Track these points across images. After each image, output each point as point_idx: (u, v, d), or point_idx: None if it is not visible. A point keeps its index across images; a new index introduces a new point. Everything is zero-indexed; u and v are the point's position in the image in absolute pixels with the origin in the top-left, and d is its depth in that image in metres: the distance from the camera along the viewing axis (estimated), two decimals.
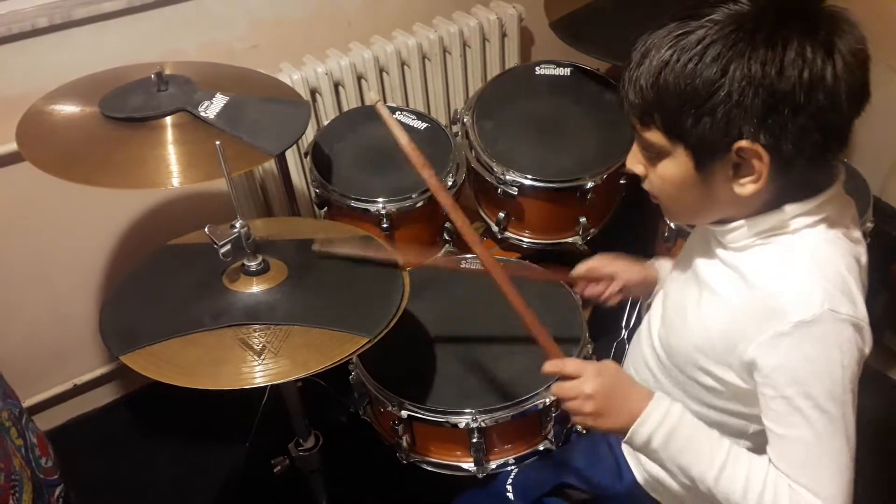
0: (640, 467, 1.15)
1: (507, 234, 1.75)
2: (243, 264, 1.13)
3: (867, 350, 0.83)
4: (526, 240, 1.75)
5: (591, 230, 1.74)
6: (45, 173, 1.20)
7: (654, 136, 0.85)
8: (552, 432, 1.35)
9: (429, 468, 1.37)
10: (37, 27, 1.56)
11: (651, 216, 1.70)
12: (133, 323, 1.09)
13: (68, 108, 1.33)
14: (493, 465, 1.34)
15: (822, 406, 0.81)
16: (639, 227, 1.78)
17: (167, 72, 1.35)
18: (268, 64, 1.84)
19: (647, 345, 1.08)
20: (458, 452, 1.36)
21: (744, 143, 0.78)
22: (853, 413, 0.82)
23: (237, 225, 1.09)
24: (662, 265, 1.22)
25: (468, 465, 1.34)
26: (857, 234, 0.88)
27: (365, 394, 1.41)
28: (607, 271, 1.22)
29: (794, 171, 0.80)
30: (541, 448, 1.36)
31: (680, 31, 0.79)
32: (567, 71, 1.80)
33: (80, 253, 1.85)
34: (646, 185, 0.93)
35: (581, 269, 1.25)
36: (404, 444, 1.35)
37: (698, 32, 0.77)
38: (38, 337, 1.89)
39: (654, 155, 0.87)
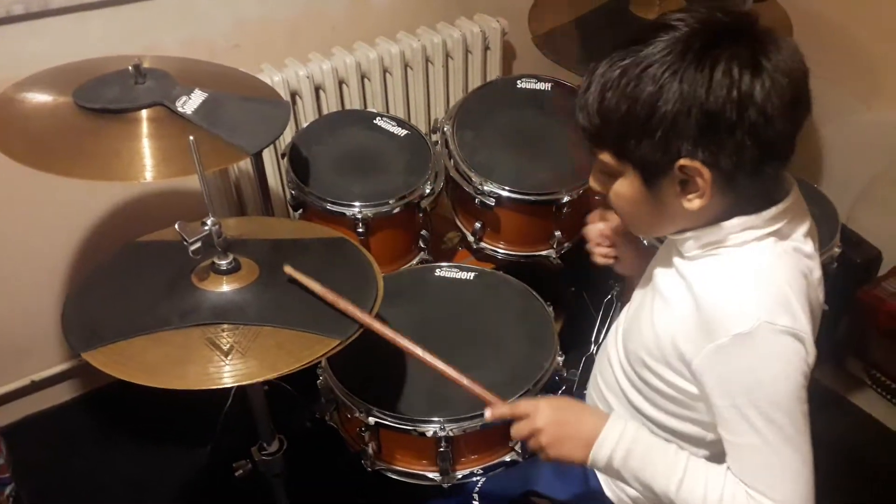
0: (609, 479, 1.16)
1: (483, 244, 1.75)
2: (213, 262, 1.11)
3: (811, 361, 0.84)
4: (501, 251, 1.75)
5: (566, 244, 1.75)
6: (13, 161, 1.17)
7: (606, 158, 0.88)
8: (519, 443, 1.34)
9: (394, 476, 1.35)
10: (11, 14, 1.53)
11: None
12: (97, 319, 1.06)
13: (40, 97, 1.31)
14: (459, 474, 1.33)
15: (769, 415, 0.82)
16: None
17: (146, 65, 1.33)
18: (249, 64, 1.82)
19: (612, 349, 1.10)
20: (424, 461, 1.35)
21: (684, 162, 0.81)
22: (804, 421, 0.84)
23: (208, 222, 1.07)
24: None
25: (434, 474, 1.33)
26: (810, 248, 0.90)
27: (332, 399, 1.40)
28: (617, 238, 1.21)
29: (738, 185, 0.83)
30: (507, 459, 1.36)
31: (622, 57, 0.82)
32: (548, 86, 1.81)
33: (44, 246, 1.81)
34: (608, 203, 0.96)
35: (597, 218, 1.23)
36: (370, 451, 1.34)
37: (639, 56, 0.81)
38: None
39: (610, 175, 0.91)
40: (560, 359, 1.39)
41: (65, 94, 1.29)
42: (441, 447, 1.28)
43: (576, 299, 2.01)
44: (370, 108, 1.99)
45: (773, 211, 0.85)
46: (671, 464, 0.90)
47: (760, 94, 0.77)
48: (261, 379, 0.99)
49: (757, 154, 0.80)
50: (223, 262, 1.11)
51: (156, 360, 1.00)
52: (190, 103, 1.29)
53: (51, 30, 1.58)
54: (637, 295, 1.07)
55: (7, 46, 1.55)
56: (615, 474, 0.94)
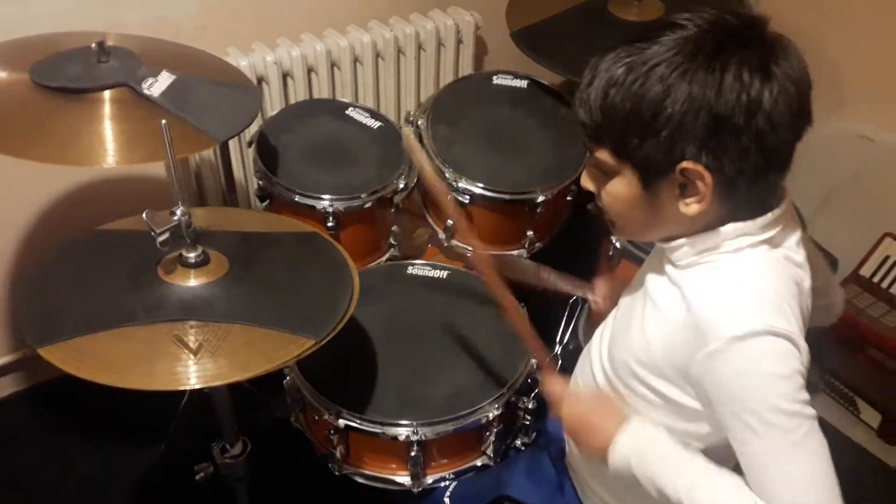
0: (583, 485, 1.14)
1: (454, 241, 1.72)
2: (181, 255, 1.05)
3: (805, 363, 0.83)
4: (470, 248, 1.73)
5: (537, 244, 1.73)
6: None
7: (604, 156, 0.86)
8: (492, 448, 1.32)
9: (362, 481, 1.31)
10: None
11: (594, 235, 1.70)
12: (54, 312, 0.99)
13: None
14: (429, 479, 1.29)
15: (770, 420, 0.80)
16: (581, 244, 1.78)
17: (109, 43, 1.25)
18: (215, 47, 1.73)
19: (595, 354, 1.08)
20: (394, 465, 1.31)
21: (687, 164, 0.80)
22: (811, 424, 0.81)
23: (178, 212, 1.01)
24: None
25: (404, 478, 1.29)
26: (801, 257, 0.89)
27: (299, 400, 1.35)
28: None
29: (737, 191, 0.82)
30: (479, 464, 1.33)
31: (628, 54, 0.81)
32: (524, 83, 1.78)
33: None
34: (600, 203, 0.94)
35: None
36: (338, 454, 1.29)
37: (645, 54, 0.79)
38: None
39: (605, 174, 0.89)
40: (534, 361, 1.36)
41: (20, 71, 1.21)
42: (413, 451, 1.24)
43: (541, 299, 2.00)
44: (341, 98, 1.93)
45: (767, 218, 0.85)
46: (685, 468, 0.88)
47: (769, 101, 0.76)
48: (232, 380, 0.94)
49: (760, 161, 0.79)
50: (191, 254, 1.05)
51: (119, 357, 0.94)
52: (157, 85, 1.22)
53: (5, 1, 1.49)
54: (625, 302, 1.05)
55: None
56: (630, 476, 0.91)
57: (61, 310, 1.00)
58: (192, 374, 0.94)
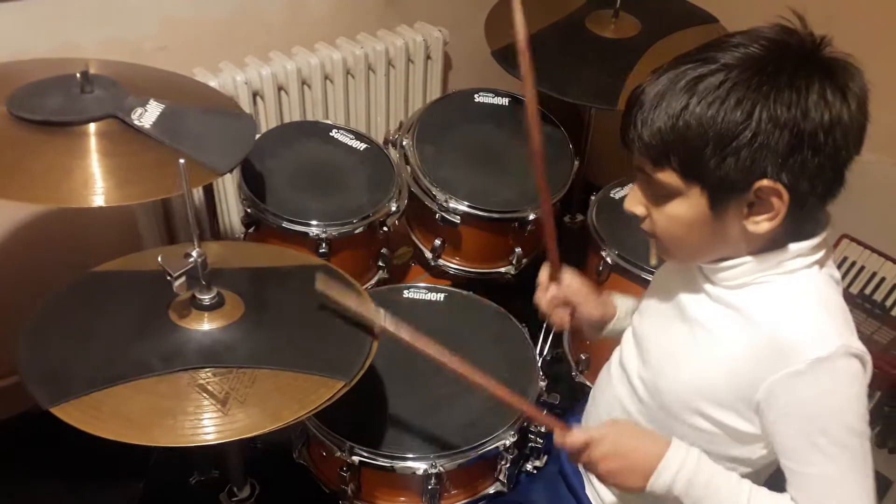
0: None
1: (441, 261, 1.70)
2: (194, 297, 1.00)
3: (867, 380, 0.85)
4: (457, 267, 1.71)
5: (524, 260, 1.73)
6: None
7: (668, 177, 0.85)
8: (505, 474, 1.30)
9: None
10: None
11: (577, 248, 1.71)
12: (62, 366, 0.92)
13: None
14: None
15: (842, 441, 0.82)
16: (565, 259, 1.78)
17: (92, 71, 1.18)
18: (179, 68, 1.67)
19: (622, 386, 1.05)
20: (403, 498, 1.28)
21: (765, 183, 0.80)
22: (869, 446, 0.84)
23: (194, 253, 0.96)
24: (623, 304, 1.21)
25: None
26: (839, 275, 0.91)
27: (304, 435, 1.30)
28: (573, 299, 1.14)
29: (805, 209, 0.83)
30: (492, 490, 1.31)
31: (695, 75, 0.80)
32: (505, 101, 1.78)
33: None
34: (645, 225, 0.93)
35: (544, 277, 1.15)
36: (349, 491, 1.25)
37: (717, 76, 0.79)
38: None
39: (663, 195, 0.87)
40: (543, 384, 1.36)
41: None
42: (430, 484, 1.21)
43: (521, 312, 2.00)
44: (322, 119, 1.89)
45: (817, 239, 0.86)
46: (734, 493, 0.88)
47: (847, 119, 0.78)
48: (267, 430, 0.89)
49: (831, 178, 0.81)
50: (206, 296, 0.99)
51: (141, 412, 0.88)
52: (147, 116, 1.16)
53: None
54: (653, 331, 1.02)
55: None
56: (672, 500, 0.90)
57: (69, 363, 0.92)
58: (224, 426, 0.88)
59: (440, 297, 1.50)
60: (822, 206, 0.86)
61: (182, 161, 0.89)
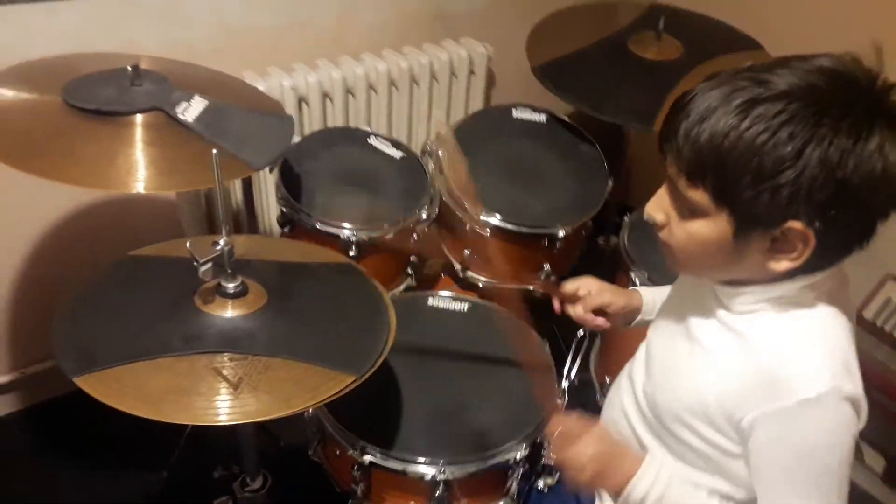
0: None
1: (470, 273, 1.71)
2: (220, 285, 1.03)
3: (861, 425, 0.84)
4: (486, 280, 1.72)
5: (552, 278, 1.73)
6: None
7: (698, 196, 0.81)
8: (515, 489, 1.30)
9: None
10: None
11: (607, 268, 1.71)
12: (90, 340, 0.96)
13: (22, 94, 1.19)
14: None
15: (818, 481, 0.81)
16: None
17: (143, 66, 1.24)
18: (230, 70, 1.73)
19: (628, 396, 1.06)
20: (412, 503, 1.28)
21: (797, 226, 0.76)
22: (847, 486, 0.83)
23: (221, 242, 0.99)
24: (646, 294, 1.20)
25: None
26: (853, 309, 0.90)
27: (319, 432, 1.32)
28: (597, 302, 1.17)
29: (826, 253, 0.80)
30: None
31: (751, 97, 0.75)
32: (543, 117, 1.80)
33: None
34: (662, 234, 0.90)
35: (571, 288, 1.19)
36: (359, 491, 1.27)
37: (775, 104, 0.74)
38: None
39: (689, 210, 0.84)
40: (561, 402, 1.35)
41: (51, 92, 1.18)
42: (437, 491, 1.22)
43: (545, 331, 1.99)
44: (362, 126, 1.93)
45: (826, 272, 0.84)
46: None
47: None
48: (274, 416, 0.92)
49: (864, 232, 0.78)
50: (231, 284, 1.03)
51: (158, 389, 0.91)
52: (191, 110, 1.21)
53: (18, 18, 1.46)
54: (659, 344, 1.03)
55: None
56: None
57: (97, 338, 0.97)
58: (233, 409, 0.91)
59: (464, 306, 1.51)
60: (847, 254, 0.82)
61: (215, 152, 0.93)
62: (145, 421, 0.86)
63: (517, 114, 1.79)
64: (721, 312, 0.91)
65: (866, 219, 0.77)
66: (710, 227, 0.83)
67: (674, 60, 1.73)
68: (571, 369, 1.79)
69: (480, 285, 1.74)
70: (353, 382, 0.98)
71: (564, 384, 1.76)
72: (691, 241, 0.86)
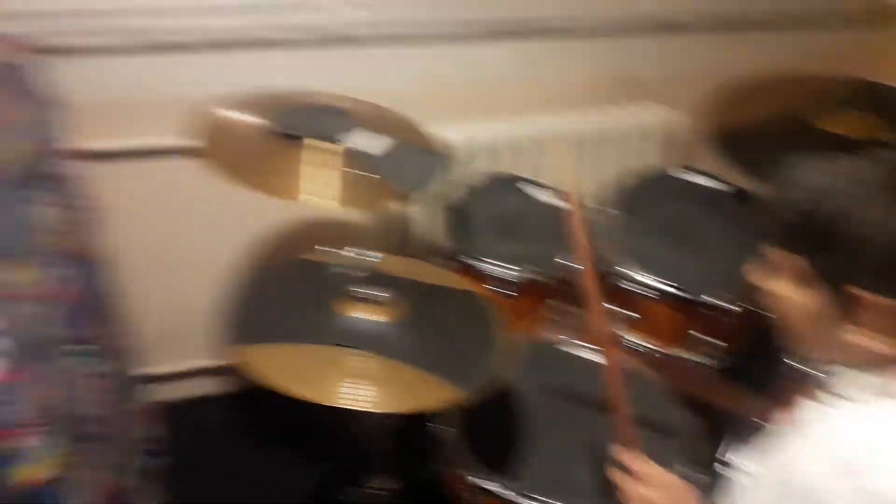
0: None
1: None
2: (368, 292, 1.19)
3: None
4: (646, 345, 1.70)
5: (719, 354, 1.67)
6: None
7: (799, 263, 0.83)
8: None
9: None
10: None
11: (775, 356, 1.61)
12: (255, 320, 1.16)
13: (248, 118, 1.45)
14: None
15: None
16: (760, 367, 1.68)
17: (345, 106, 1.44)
18: (416, 116, 1.91)
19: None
20: None
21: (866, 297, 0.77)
22: None
23: (377, 257, 1.16)
24: None
25: None
26: None
27: (452, 447, 1.38)
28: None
29: None
30: None
31: (854, 178, 0.78)
32: (714, 183, 1.78)
33: (216, 250, 1.93)
34: (769, 303, 0.90)
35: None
36: None
37: (873, 174, 0.77)
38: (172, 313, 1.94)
39: (800, 279, 0.84)
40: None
41: (265, 117, 1.42)
42: None
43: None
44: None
45: None
46: None
47: None
48: (389, 410, 1.04)
49: None
50: (377, 293, 1.18)
51: (300, 368, 1.09)
52: (369, 144, 1.38)
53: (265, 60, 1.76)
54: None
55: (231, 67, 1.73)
56: None
57: (262, 320, 1.17)
58: (359, 397, 1.06)
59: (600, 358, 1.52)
60: None
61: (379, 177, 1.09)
62: (314, 421, 0.99)
63: (685, 176, 1.81)
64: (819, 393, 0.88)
65: None
66: (807, 295, 0.83)
67: (867, 137, 1.64)
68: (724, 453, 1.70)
69: (641, 350, 1.72)
70: (461, 397, 1.08)
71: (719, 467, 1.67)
72: (792, 309, 0.86)
